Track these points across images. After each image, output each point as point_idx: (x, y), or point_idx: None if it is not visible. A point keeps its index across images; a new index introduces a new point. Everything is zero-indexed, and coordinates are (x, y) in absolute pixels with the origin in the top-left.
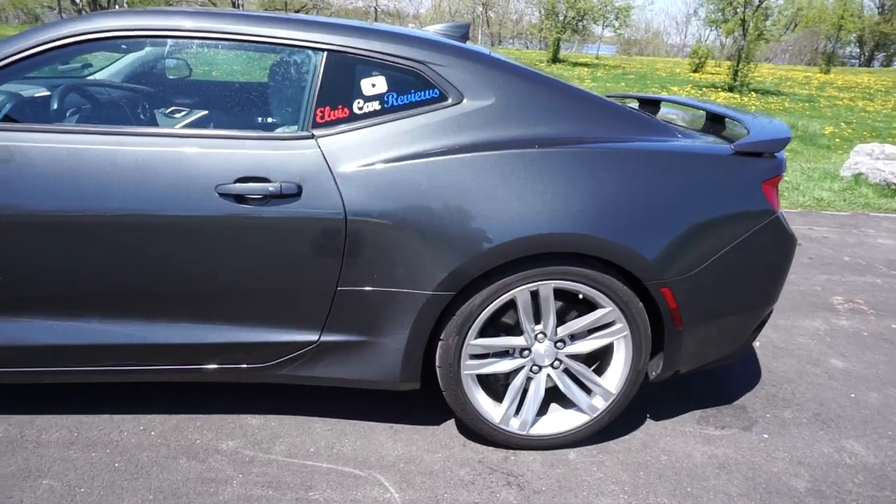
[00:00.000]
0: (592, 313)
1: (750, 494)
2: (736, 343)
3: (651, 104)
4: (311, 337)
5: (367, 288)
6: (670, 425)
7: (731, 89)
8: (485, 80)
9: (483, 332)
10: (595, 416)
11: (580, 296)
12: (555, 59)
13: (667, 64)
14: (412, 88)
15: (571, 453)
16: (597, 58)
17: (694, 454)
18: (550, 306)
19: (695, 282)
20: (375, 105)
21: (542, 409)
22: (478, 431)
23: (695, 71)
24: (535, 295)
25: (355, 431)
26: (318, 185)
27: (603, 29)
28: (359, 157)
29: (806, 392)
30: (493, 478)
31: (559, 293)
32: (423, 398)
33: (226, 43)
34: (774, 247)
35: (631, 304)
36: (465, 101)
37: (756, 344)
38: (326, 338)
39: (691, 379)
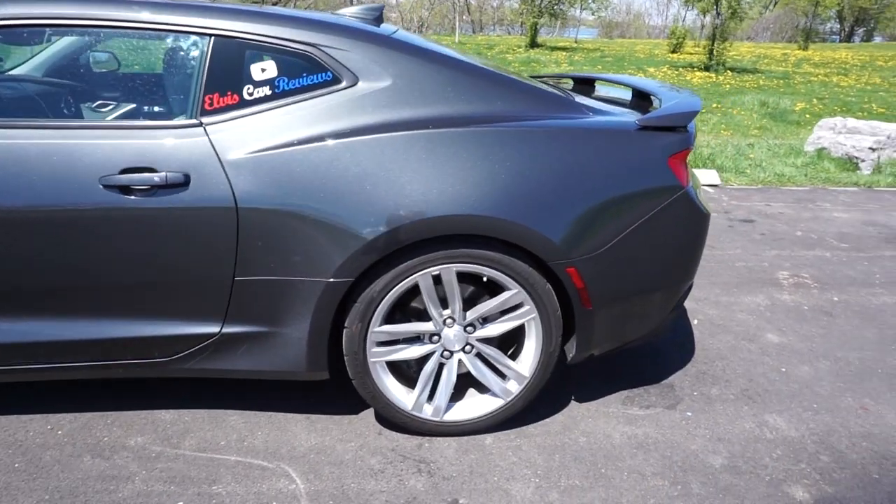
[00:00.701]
0: (499, 296)
1: (664, 473)
2: (653, 321)
3: (586, 83)
4: (213, 329)
5: (264, 277)
6: (594, 407)
7: (706, 69)
8: (381, 61)
9: (391, 319)
10: (510, 400)
11: (484, 278)
12: (532, 44)
13: (647, 46)
14: (304, 72)
15: (488, 438)
16: (576, 41)
17: (613, 435)
18: (455, 290)
19: (602, 261)
20: (266, 90)
21: (460, 395)
22: (391, 419)
23: (673, 51)
24: (438, 279)
25: (270, 423)
26: (206, 173)
27: (581, 12)
28: (249, 143)
29: (737, 368)
30: (403, 466)
31: (467, 276)
32: (344, 387)
33: (111, 31)
34: (684, 223)
35: (537, 285)
36: (359, 83)
37: (694, 322)
38: (228, 329)
39: (620, 359)
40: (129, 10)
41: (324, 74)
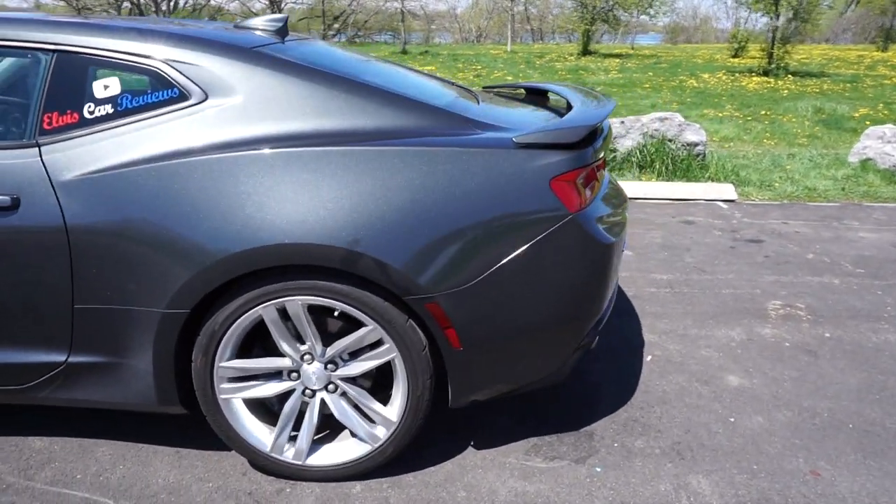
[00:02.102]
0: (355, 333)
1: None
2: (552, 363)
3: (538, 93)
4: (59, 358)
5: (103, 306)
6: (491, 455)
7: (766, 73)
8: (235, 76)
9: (246, 352)
10: (378, 446)
11: (335, 313)
12: (585, 52)
13: (709, 51)
14: (149, 89)
15: (357, 486)
16: (632, 48)
17: (499, 491)
18: (305, 324)
19: (471, 296)
20: (108, 108)
21: (332, 437)
22: (251, 461)
23: (734, 56)
24: (285, 312)
25: (136, 457)
26: (36, 196)
27: (637, 17)
28: (85, 164)
29: (676, 416)
30: None
31: (324, 310)
32: None
33: None
34: (575, 253)
35: (395, 321)
36: (208, 99)
37: (647, 358)
38: (75, 359)
39: (539, 400)
40: None
41: (170, 91)
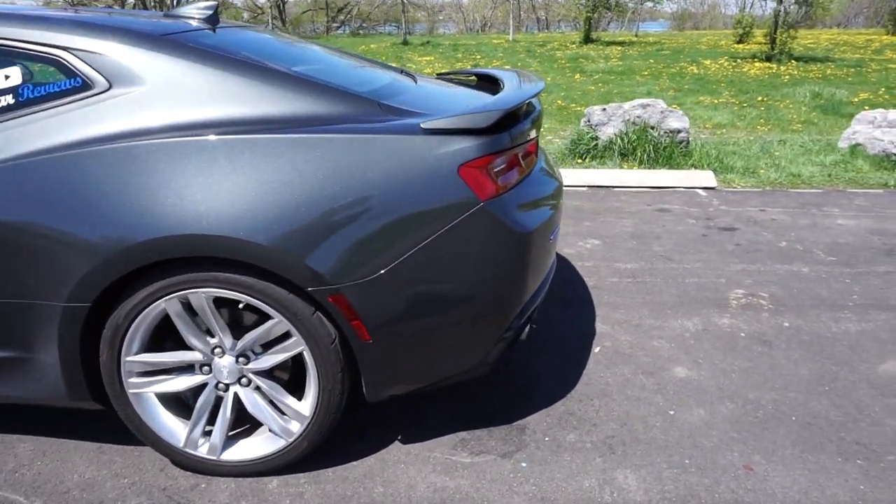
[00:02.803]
0: (263, 325)
1: None
2: (472, 356)
3: (490, 80)
4: None
5: (6, 300)
6: (417, 449)
7: (768, 59)
8: (139, 64)
9: (159, 345)
10: (292, 441)
11: (240, 305)
12: (587, 40)
13: (714, 37)
14: (51, 78)
15: (274, 481)
16: (636, 35)
17: (418, 486)
18: (211, 318)
19: (378, 287)
20: (9, 99)
21: (251, 432)
22: (166, 456)
23: (739, 42)
24: (190, 306)
25: (57, 452)
26: None
27: (641, 4)
28: None
29: (615, 409)
30: None
31: (235, 302)
32: None
33: None
34: (487, 243)
35: (300, 314)
36: (112, 88)
37: (595, 349)
38: None
39: (472, 392)
40: None
41: (73, 80)
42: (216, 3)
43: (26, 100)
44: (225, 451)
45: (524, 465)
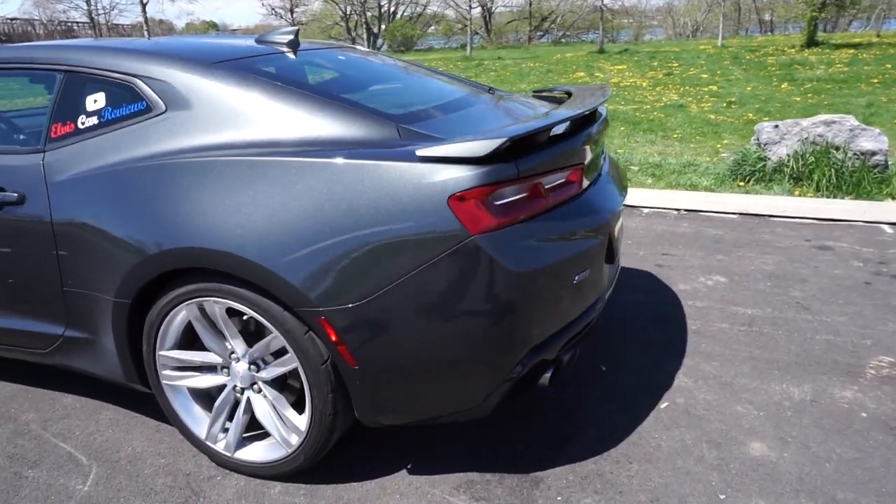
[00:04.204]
0: (265, 339)
1: None
2: (471, 397)
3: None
4: (58, 331)
5: (81, 290)
6: (420, 483)
7: None
8: (188, 89)
9: (189, 345)
10: (291, 452)
11: (244, 317)
12: (810, 43)
13: None
14: (124, 102)
15: (277, 487)
16: (878, 35)
17: None
18: (222, 325)
19: (363, 314)
20: (94, 120)
21: (266, 436)
22: (193, 444)
23: None
24: (205, 312)
25: (127, 424)
26: (36, 193)
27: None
28: (71, 168)
29: (652, 480)
30: (180, 493)
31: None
32: None
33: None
34: (478, 279)
35: (294, 332)
36: (167, 111)
37: (663, 405)
38: (69, 333)
39: (504, 433)
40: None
41: (139, 104)
42: (297, 28)
43: (106, 121)
44: (238, 451)
45: None
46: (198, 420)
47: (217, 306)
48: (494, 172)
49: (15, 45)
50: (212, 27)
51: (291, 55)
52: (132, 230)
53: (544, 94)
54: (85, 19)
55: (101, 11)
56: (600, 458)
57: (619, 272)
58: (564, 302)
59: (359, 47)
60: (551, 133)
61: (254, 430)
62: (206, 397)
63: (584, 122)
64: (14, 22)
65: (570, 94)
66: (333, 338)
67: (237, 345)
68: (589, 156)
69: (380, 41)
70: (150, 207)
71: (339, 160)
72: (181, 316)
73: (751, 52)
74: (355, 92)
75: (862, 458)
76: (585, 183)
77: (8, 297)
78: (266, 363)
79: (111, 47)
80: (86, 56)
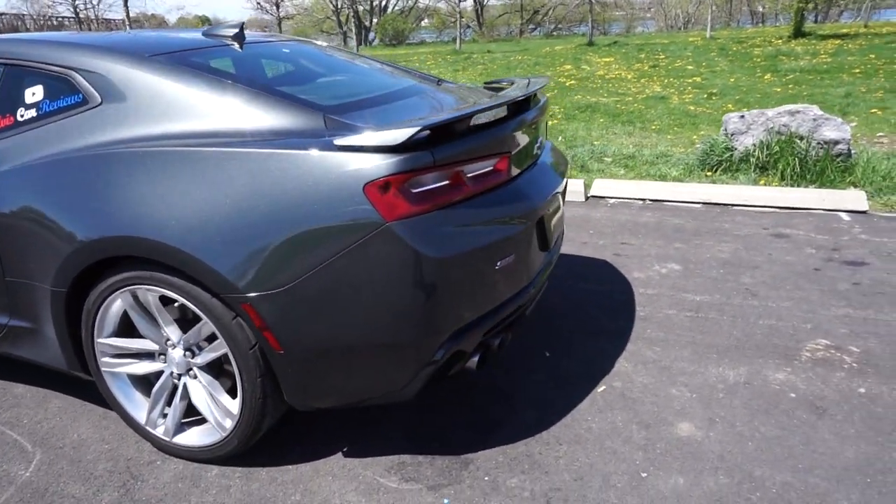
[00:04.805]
0: (196, 325)
1: None
2: (393, 381)
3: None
4: (3, 321)
5: (21, 279)
6: (353, 465)
7: None
8: (124, 81)
9: (127, 333)
10: (225, 436)
11: (175, 304)
12: (797, 34)
13: None
14: (62, 95)
15: (214, 470)
16: (865, 26)
17: (332, 502)
18: (156, 312)
19: (287, 300)
20: (33, 112)
21: (203, 422)
22: (135, 430)
23: None
24: (139, 300)
25: (75, 412)
26: None
27: None
28: (11, 160)
29: (579, 460)
30: (119, 478)
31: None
32: None
33: None
34: (394, 266)
35: (222, 318)
36: (103, 103)
37: (600, 388)
38: (13, 322)
39: (442, 417)
40: None
41: (76, 97)
42: (242, 22)
43: (44, 113)
44: (177, 435)
45: (446, 501)
46: (138, 406)
47: (150, 294)
48: (410, 161)
49: None
50: (204, 21)
51: (236, 48)
52: (67, 220)
53: (493, 84)
54: (71, 14)
55: (86, 6)
56: (532, 440)
57: (559, 259)
58: (487, 287)
59: (316, 42)
60: (476, 122)
61: (194, 415)
62: (145, 383)
63: (517, 111)
64: (2, 17)
65: (513, 84)
66: (258, 323)
67: (172, 332)
68: (520, 144)
69: (371, 35)
70: (84, 197)
71: (262, 150)
72: (117, 304)
73: (738, 44)
74: (293, 84)
75: (783, 436)
76: (515, 171)
77: None
78: (200, 349)
79: (50, 41)
80: (26, 49)
